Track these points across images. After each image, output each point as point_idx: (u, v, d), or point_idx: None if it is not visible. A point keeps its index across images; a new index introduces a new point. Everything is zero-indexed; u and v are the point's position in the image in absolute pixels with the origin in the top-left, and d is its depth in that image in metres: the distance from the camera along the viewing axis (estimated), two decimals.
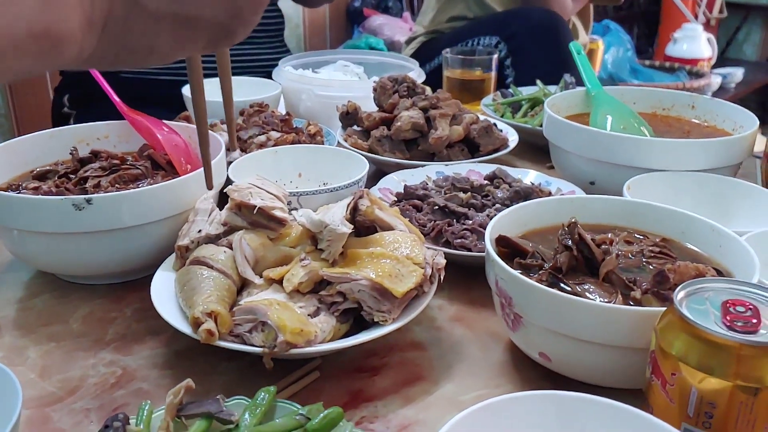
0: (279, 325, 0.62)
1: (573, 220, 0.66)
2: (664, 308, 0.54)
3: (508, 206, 0.92)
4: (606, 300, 0.62)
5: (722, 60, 4.24)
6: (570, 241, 0.66)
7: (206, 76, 1.46)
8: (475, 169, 1.07)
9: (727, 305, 0.50)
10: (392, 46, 3.05)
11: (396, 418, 0.63)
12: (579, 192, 0.97)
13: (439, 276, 0.72)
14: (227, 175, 0.93)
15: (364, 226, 0.75)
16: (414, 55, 2.03)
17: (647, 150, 0.93)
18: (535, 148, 1.26)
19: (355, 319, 0.70)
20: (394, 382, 0.68)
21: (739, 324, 0.48)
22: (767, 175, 0.95)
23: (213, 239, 0.76)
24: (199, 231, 0.76)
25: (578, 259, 0.66)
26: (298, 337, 0.62)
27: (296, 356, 0.65)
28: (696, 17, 4.13)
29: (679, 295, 0.52)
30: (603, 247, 0.67)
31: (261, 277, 0.72)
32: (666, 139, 0.96)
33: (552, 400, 0.49)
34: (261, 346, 0.63)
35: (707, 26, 4.12)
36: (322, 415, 0.54)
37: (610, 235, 0.69)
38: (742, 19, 4.44)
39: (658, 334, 0.52)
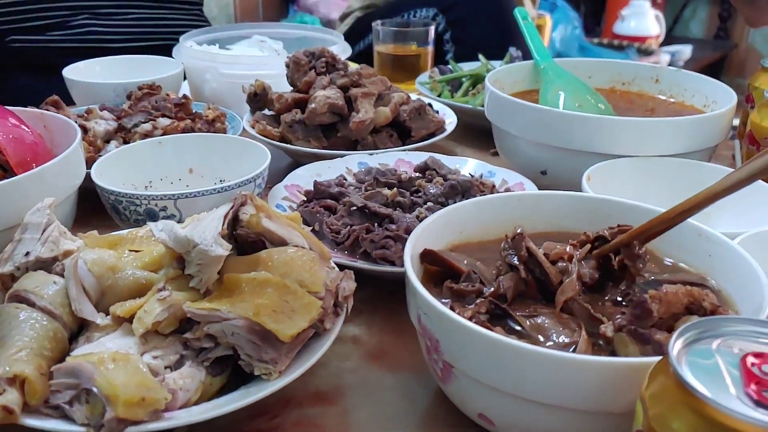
0: (108, 395, 0.43)
1: (519, 232, 0.49)
2: (654, 360, 0.37)
3: (442, 204, 0.75)
4: (566, 339, 0.46)
5: (669, 38, 4.17)
6: (516, 259, 0.49)
7: (96, 49, 1.23)
8: (406, 159, 0.89)
9: (748, 363, 0.34)
10: (329, 25, 2.85)
11: None
12: (528, 184, 0.80)
13: (347, 306, 0.55)
14: (89, 173, 0.74)
15: (248, 241, 0.57)
16: (349, 32, 1.86)
17: (610, 132, 0.76)
18: (478, 132, 1.09)
19: (235, 367, 0.52)
20: None
21: None
22: (750, 159, 0.80)
23: (46, 264, 0.57)
24: (27, 254, 0.57)
25: (528, 282, 0.49)
26: (137, 409, 0.44)
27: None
28: None
29: (675, 346, 0.35)
30: (560, 264, 0.50)
31: (108, 314, 0.54)
32: (632, 118, 0.79)
33: None
34: (85, 424, 0.44)
35: (654, 3, 4.03)
36: None
37: (569, 248, 0.52)
38: None
39: (647, 406, 0.35)
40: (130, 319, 0.52)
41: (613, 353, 0.46)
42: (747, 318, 0.38)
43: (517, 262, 0.49)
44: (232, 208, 0.56)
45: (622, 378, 0.39)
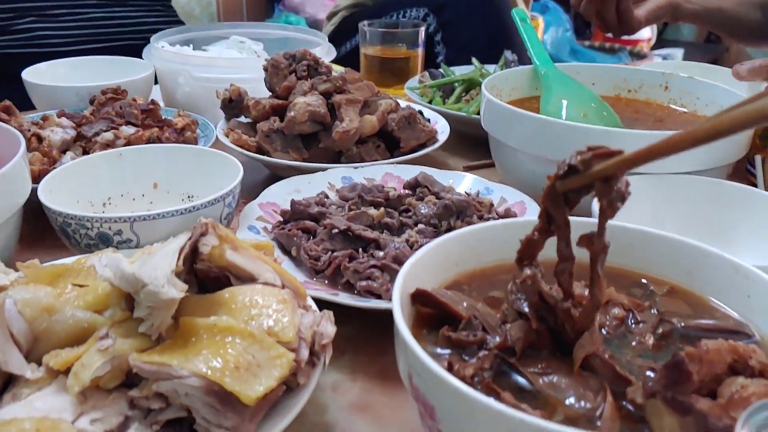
0: None
1: (530, 273, 0.41)
2: None
3: (434, 226, 0.68)
4: (588, 404, 0.38)
5: (660, 41, 4.13)
6: (526, 306, 0.41)
7: (45, 54, 1.13)
8: (394, 173, 0.81)
9: None
10: (315, 26, 2.77)
11: None
12: (529, 203, 0.72)
13: (324, 356, 0.47)
14: (33, 189, 0.65)
15: (210, 277, 0.49)
16: (335, 33, 1.78)
17: (619, 146, 0.69)
18: (471, 140, 1.02)
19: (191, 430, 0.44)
20: None
21: None
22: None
23: None
24: None
25: (540, 332, 0.42)
26: None
27: None
28: None
29: None
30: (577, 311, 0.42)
31: (41, 365, 0.45)
32: (645, 131, 0.72)
33: None
34: None
35: None
36: None
37: (587, 291, 0.44)
38: None
39: None
40: (66, 371, 0.44)
41: (644, 420, 0.38)
42: None
43: (527, 309, 0.41)
44: (190, 239, 0.48)
45: None
